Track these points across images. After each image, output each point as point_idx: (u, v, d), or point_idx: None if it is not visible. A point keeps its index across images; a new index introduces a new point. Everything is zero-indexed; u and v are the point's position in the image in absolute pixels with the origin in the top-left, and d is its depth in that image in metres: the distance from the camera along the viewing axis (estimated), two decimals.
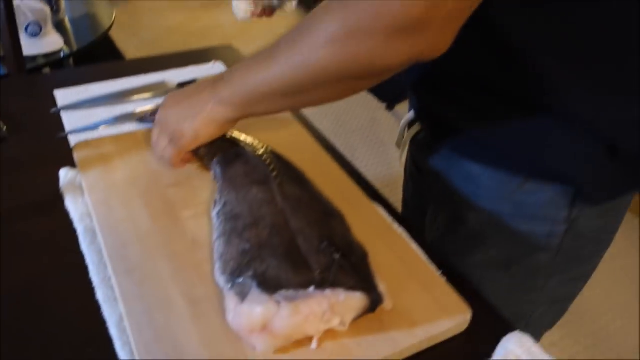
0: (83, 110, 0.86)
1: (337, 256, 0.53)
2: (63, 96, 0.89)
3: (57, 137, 0.80)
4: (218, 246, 0.57)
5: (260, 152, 0.68)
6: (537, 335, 0.79)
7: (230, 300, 0.51)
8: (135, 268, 0.57)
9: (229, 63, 1.01)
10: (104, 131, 0.81)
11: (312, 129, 0.84)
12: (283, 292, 0.49)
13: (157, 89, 0.92)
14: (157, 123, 0.69)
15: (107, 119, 0.83)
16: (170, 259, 0.58)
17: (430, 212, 0.80)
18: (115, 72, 0.96)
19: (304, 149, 0.76)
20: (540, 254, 0.69)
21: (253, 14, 0.85)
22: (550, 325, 0.80)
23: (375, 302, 0.52)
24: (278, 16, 0.87)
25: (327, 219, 0.59)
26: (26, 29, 1.82)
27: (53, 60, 1.88)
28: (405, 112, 0.82)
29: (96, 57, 2.17)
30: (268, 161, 0.66)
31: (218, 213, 0.61)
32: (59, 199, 0.69)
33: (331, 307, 0.50)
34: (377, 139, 2.27)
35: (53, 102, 0.88)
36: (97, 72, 0.98)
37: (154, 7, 3.43)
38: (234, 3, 0.86)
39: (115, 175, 0.70)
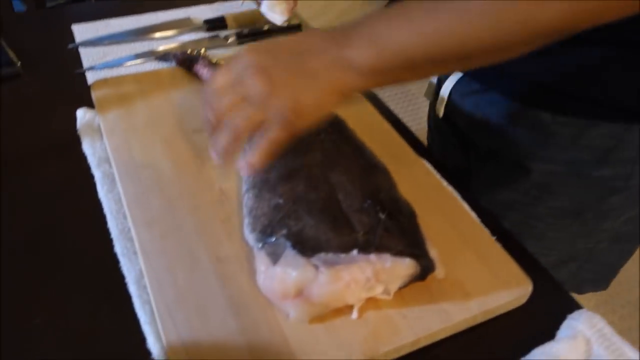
0: (102, 47, 0.79)
1: (382, 216, 0.47)
2: (81, 31, 0.82)
3: (75, 73, 0.74)
4: (247, 200, 0.51)
5: None
6: (597, 281, 0.76)
7: (261, 261, 0.45)
8: (156, 220, 0.52)
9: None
10: (124, 69, 0.75)
11: None
12: (322, 255, 0.43)
13: (181, 26, 0.84)
14: (236, 90, 0.44)
15: (127, 56, 0.77)
16: (194, 212, 0.53)
17: (475, 169, 0.73)
18: (137, 7, 0.89)
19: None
20: (613, 197, 0.64)
21: (291, 10, 0.75)
22: (613, 266, 0.75)
23: (425, 269, 0.45)
24: None
25: (372, 174, 0.52)
26: None
27: None
28: None
29: None
30: None
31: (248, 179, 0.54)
32: (76, 141, 0.63)
33: (375, 274, 0.44)
34: (405, 89, 2.17)
35: (71, 37, 0.82)
36: (118, 7, 0.91)
37: None
38: (267, 4, 0.75)
39: (136, 117, 0.64)
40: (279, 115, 0.42)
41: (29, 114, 0.68)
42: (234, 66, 0.44)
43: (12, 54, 0.76)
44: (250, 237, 0.48)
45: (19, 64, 0.75)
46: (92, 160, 0.60)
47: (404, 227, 0.47)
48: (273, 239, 0.46)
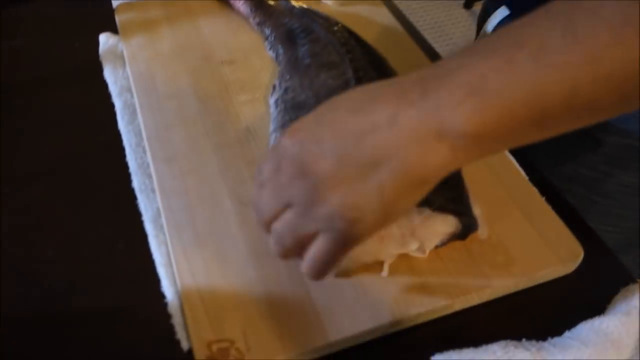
0: None
1: None
2: None
3: None
4: (275, 140, 0.47)
5: (335, 28, 0.55)
6: None
7: None
8: (177, 156, 0.48)
9: None
10: None
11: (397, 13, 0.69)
12: None
13: None
14: (278, 194, 0.33)
15: None
16: (218, 150, 0.49)
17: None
18: None
19: (387, 34, 0.63)
20: None
21: None
22: None
23: (467, 228, 0.41)
24: None
25: None
26: None
27: None
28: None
29: None
30: (343, 40, 0.53)
31: (277, 100, 0.50)
32: (97, 67, 0.60)
33: (411, 229, 0.40)
34: (450, 40, 2.06)
35: None
36: None
37: None
38: None
39: (161, 44, 0.59)
40: (328, 226, 0.31)
41: (50, 37, 0.64)
42: (273, 159, 0.33)
43: None
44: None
45: None
46: (113, 88, 0.57)
47: (447, 179, 0.42)
48: None
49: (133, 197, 0.47)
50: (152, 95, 0.53)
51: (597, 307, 0.42)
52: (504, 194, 0.47)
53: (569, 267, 0.44)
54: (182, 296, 0.39)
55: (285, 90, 0.50)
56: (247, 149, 0.49)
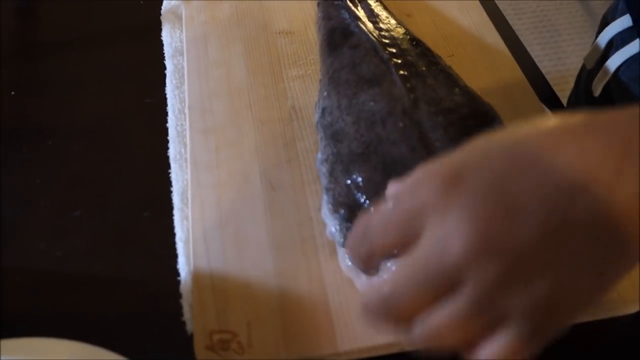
0: None
1: None
2: None
3: None
4: (323, 170, 0.40)
5: (381, 26, 0.47)
6: None
7: (356, 276, 0.36)
8: (215, 128, 0.46)
9: None
10: None
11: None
12: None
13: None
14: (428, 281, 0.23)
15: None
16: (258, 125, 0.46)
17: None
18: None
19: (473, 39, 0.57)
20: None
21: None
22: None
23: None
24: None
25: (481, 125, 0.39)
26: None
27: None
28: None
29: None
30: (390, 42, 0.45)
31: (316, 124, 0.44)
32: (158, 27, 0.58)
33: None
34: (552, 27, 1.90)
35: None
36: None
37: None
38: None
39: (221, 8, 0.57)
40: (524, 320, 0.22)
41: None
42: (416, 222, 0.24)
43: None
44: (330, 222, 0.37)
45: None
46: (167, 50, 0.55)
47: None
48: None
49: (167, 166, 0.46)
50: (201, 60, 0.51)
51: None
52: None
53: (632, 307, 0.38)
54: (194, 278, 0.37)
55: (323, 113, 0.43)
56: (288, 128, 0.46)
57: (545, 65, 1.66)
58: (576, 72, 0.69)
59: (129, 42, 0.58)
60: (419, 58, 0.44)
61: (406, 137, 0.38)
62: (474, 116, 0.40)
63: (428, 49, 0.46)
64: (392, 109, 0.40)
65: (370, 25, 0.47)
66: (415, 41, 0.47)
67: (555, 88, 0.53)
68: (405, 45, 0.45)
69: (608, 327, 0.37)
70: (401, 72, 0.42)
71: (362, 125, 0.39)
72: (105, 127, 0.50)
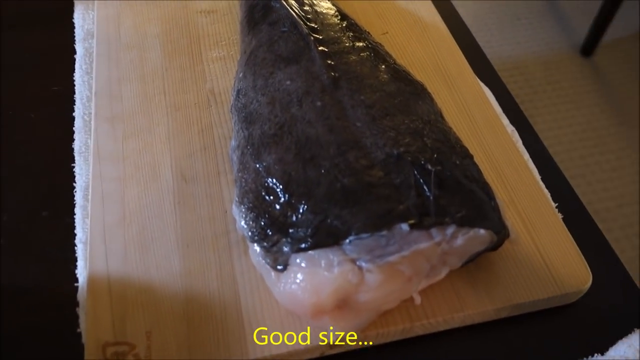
0: None
1: (432, 166, 0.32)
2: None
3: None
4: (234, 158, 0.36)
5: (307, 2, 0.43)
6: None
7: (267, 272, 0.32)
8: (123, 115, 0.42)
9: None
10: None
11: None
12: (356, 242, 0.29)
13: None
14: None
15: None
16: (172, 112, 0.42)
17: None
18: None
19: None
20: None
21: None
22: None
23: (502, 237, 0.32)
24: None
25: (410, 103, 0.36)
26: None
27: None
28: None
29: None
30: (310, 19, 0.41)
31: (231, 107, 0.40)
32: (72, 10, 0.53)
33: (442, 258, 0.32)
34: (510, 13, 1.89)
35: None
36: None
37: None
38: None
39: None
40: None
41: None
42: None
43: None
44: (241, 224, 0.33)
45: None
46: (78, 33, 0.50)
47: (465, 177, 0.33)
48: (274, 238, 0.31)
49: (71, 160, 0.41)
50: (112, 43, 0.47)
51: (598, 345, 0.34)
52: (503, 192, 0.38)
53: (570, 297, 0.35)
54: (89, 283, 0.33)
55: (238, 95, 0.39)
56: (205, 114, 0.42)
57: (498, 46, 1.63)
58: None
59: (39, 26, 0.53)
60: (343, 34, 0.41)
61: (324, 117, 0.34)
62: (399, 94, 0.36)
63: (355, 24, 0.43)
64: (310, 87, 0.36)
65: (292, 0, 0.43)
66: (341, 16, 0.43)
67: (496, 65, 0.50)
68: (329, 20, 0.42)
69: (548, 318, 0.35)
70: (321, 48, 0.38)
71: (277, 105, 0.36)
72: (7, 118, 0.45)
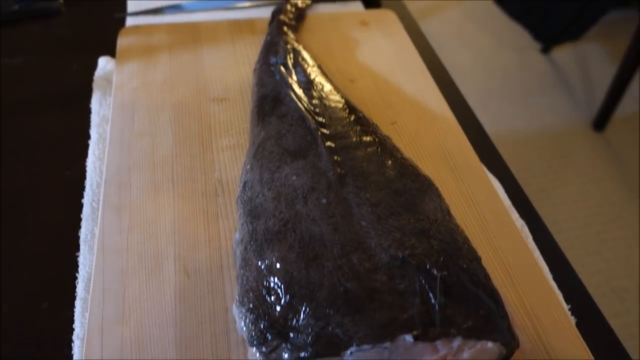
0: None
1: (438, 272, 0.31)
2: None
3: (115, 17, 0.66)
4: (237, 252, 0.36)
5: (312, 93, 0.44)
6: None
7: None
8: (130, 205, 0.42)
9: None
10: (170, 17, 0.65)
11: (433, 63, 0.61)
12: (356, 354, 0.28)
13: None
14: None
15: (176, 2, 0.67)
16: (179, 201, 0.42)
17: None
18: None
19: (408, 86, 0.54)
20: None
21: None
22: None
23: (511, 350, 0.31)
24: None
25: (417, 202, 0.36)
26: None
27: None
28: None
29: None
30: (318, 113, 0.41)
31: (237, 199, 0.40)
32: (90, 93, 0.55)
33: None
34: (522, 87, 1.92)
35: None
36: None
37: None
38: None
39: (153, 73, 0.54)
40: None
41: (57, 55, 0.61)
42: None
43: None
44: (241, 327, 0.32)
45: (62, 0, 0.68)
46: (94, 118, 0.52)
47: (473, 282, 0.32)
48: (270, 346, 0.30)
49: (77, 248, 0.41)
50: (125, 130, 0.48)
51: None
52: (510, 287, 0.37)
53: None
54: None
55: (244, 187, 0.39)
56: (211, 204, 0.42)
57: (508, 123, 1.65)
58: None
59: (57, 110, 0.55)
60: (350, 128, 0.41)
61: (329, 215, 0.34)
62: (405, 192, 0.36)
63: (363, 117, 0.43)
64: (315, 183, 0.36)
65: (301, 92, 0.44)
66: (349, 109, 0.44)
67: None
68: (337, 114, 0.42)
69: None
70: (328, 143, 0.39)
71: (282, 201, 0.36)
72: (16, 202, 0.45)
